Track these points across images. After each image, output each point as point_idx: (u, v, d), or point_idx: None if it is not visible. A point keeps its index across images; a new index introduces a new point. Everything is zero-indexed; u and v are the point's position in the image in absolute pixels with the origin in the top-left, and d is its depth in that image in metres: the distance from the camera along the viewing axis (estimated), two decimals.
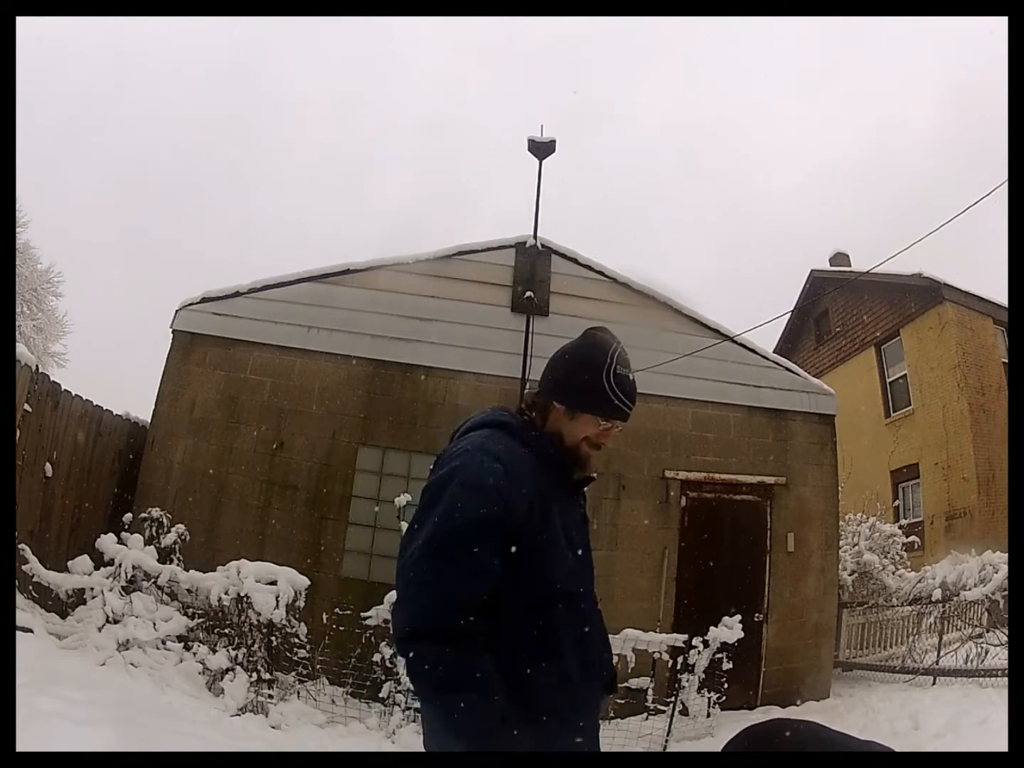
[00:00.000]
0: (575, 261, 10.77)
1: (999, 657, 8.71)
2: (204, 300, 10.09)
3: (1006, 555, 8.66)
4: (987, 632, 9.49)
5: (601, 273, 10.75)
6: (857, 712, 8.52)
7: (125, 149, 69.05)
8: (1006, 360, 14.96)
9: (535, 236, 10.70)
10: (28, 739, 2.53)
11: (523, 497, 1.96)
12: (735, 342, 10.63)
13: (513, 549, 1.93)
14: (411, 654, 1.83)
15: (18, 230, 22.14)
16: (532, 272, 10.57)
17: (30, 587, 7.18)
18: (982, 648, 9.08)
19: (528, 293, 10.36)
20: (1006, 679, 8.12)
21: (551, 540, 2.03)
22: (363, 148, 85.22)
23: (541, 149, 10.97)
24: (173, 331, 10.00)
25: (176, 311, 10.05)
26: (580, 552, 2.20)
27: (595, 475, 2.41)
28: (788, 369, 11.06)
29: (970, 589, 9.90)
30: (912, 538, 13.76)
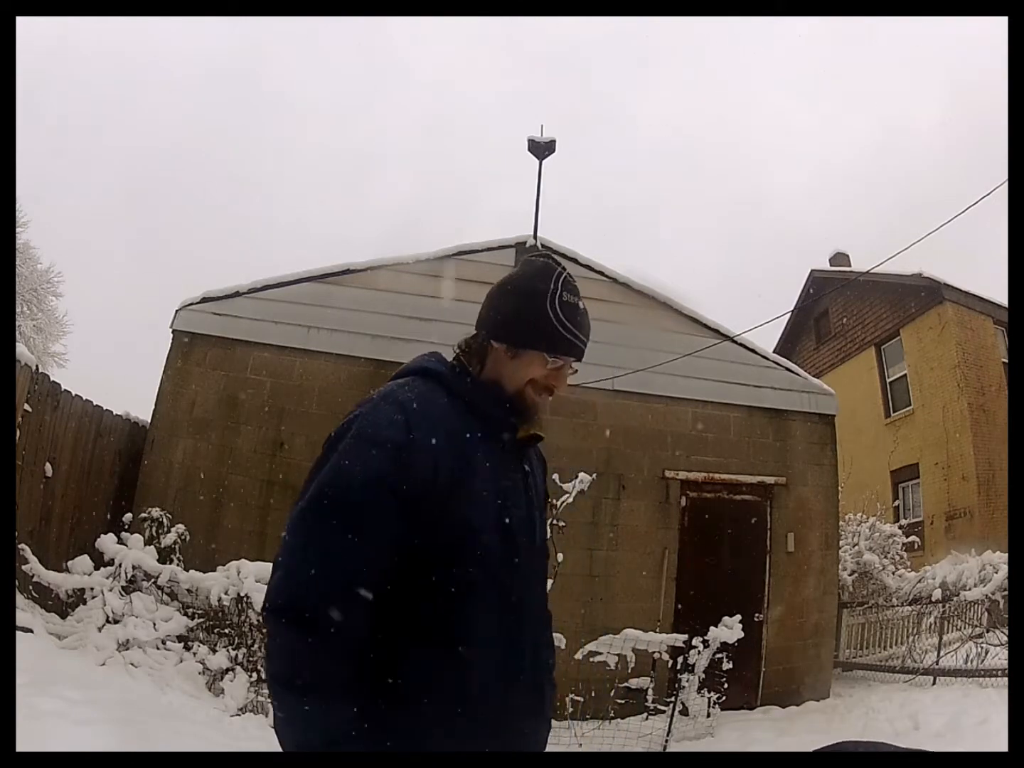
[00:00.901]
0: (575, 261, 10.76)
1: (999, 657, 8.72)
2: (204, 300, 10.08)
3: (1006, 555, 8.67)
4: (987, 632, 9.49)
5: (601, 273, 10.75)
6: (857, 712, 8.53)
7: (125, 149, 69.14)
8: (1006, 360, 14.97)
9: (535, 236, 10.70)
10: (28, 739, 2.52)
11: (428, 453, 1.63)
12: (735, 342, 10.63)
13: (413, 517, 1.61)
14: (272, 631, 1.57)
15: (18, 230, 22.15)
16: None
17: (30, 587, 7.18)
18: (982, 648, 9.09)
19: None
20: (1006, 679, 8.12)
21: (468, 511, 1.67)
22: (363, 148, 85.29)
23: (541, 149, 10.97)
24: (173, 331, 10.00)
25: (176, 311, 10.04)
26: (516, 531, 1.76)
27: (542, 434, 1.93)
28: (788, 369, 11.06)
29: (970, 589, 9.91)
30: (912, 538, 13.77)
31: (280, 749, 1.59)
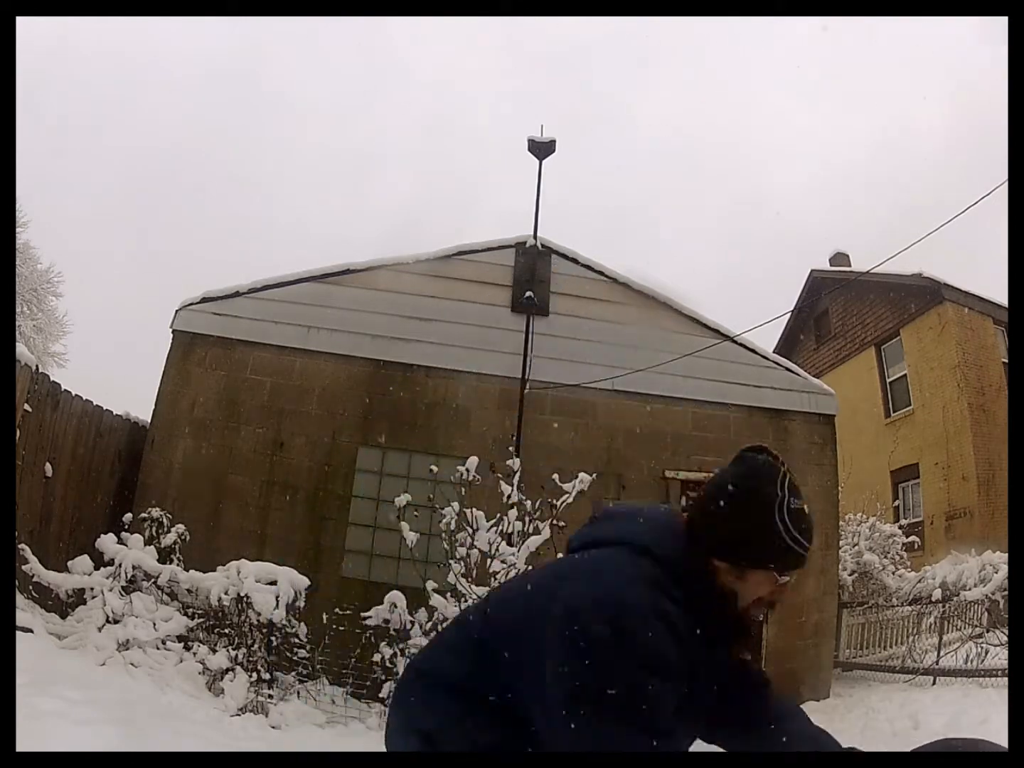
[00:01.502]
0: (575, 261, 10.78)
1: (999, 657, 8.70)
2: (204, 300, 10.10)
3: (1006, 555, 8.66)
4: (987, 632, 9.48)
5: (601, 273, 10.76)
6: (857, 712, 8.52)
7: (125, 149, 69.08)
8: (1006, 360, 14.96)
9: (535, 236, 10.70)
10: (28, 739, 2.52)
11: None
12: (735, 342, 10.63)
13: None
14: None
15: (18, 230, 22.15)
16: (532, 272, 10.57)
17: (30, 587, 7.19)
18: (982, 648, 9.07)
19: (528, 293, 10.37)
20: (1006, 679, 8.12)
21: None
22: (363, 148, 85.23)
23: (541, 149, 10.97)
24: (173, 331, 10.01)
25: (176, 311, 10.06)
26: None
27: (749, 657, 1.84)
28: (788, 369, 11.06)
29: (970, 589, 9.90)
30: (912, 538, 13.76)
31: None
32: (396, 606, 7.80)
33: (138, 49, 74.09)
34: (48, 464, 7.98)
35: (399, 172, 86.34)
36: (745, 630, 1.72)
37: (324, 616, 8.20)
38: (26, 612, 6.86)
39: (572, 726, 1.52)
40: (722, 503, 1.67)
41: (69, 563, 7.39)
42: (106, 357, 30.76)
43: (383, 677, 7.76)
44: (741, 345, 10.69)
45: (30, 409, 7.47)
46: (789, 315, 20.57)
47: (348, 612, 8.11)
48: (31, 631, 6.50)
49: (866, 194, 68.33)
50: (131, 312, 41.73)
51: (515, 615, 1.74)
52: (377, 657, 7.81)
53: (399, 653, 7.63)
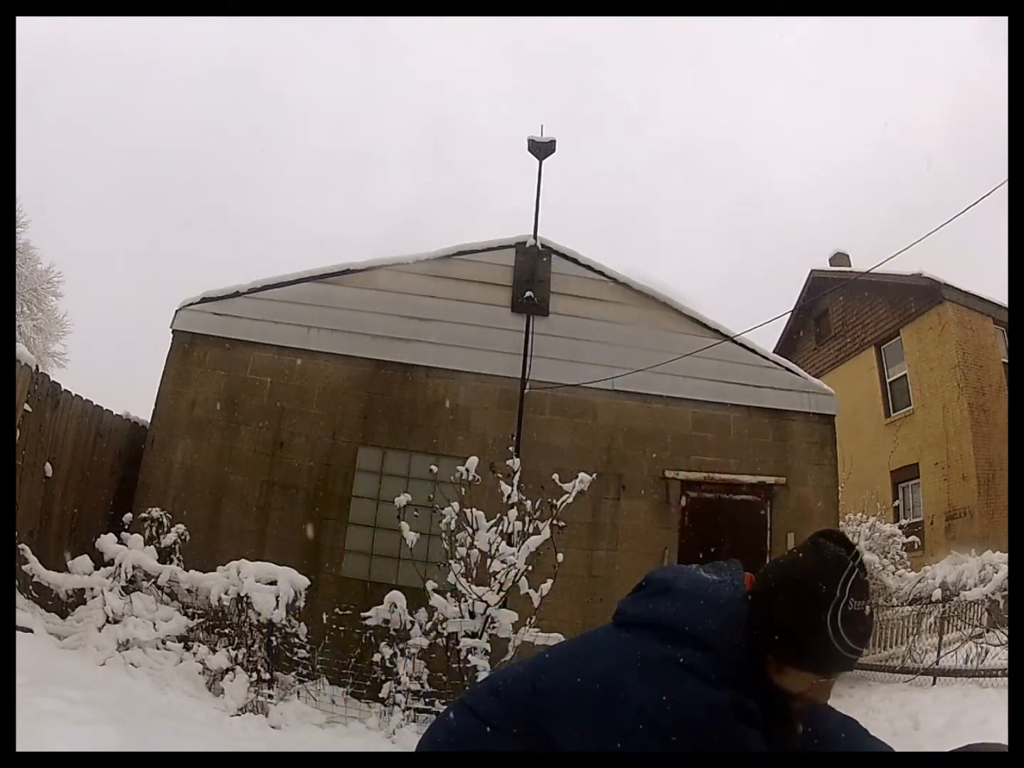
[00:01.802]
0: (575, 261, 10.78)
1: (999, 657, 8.70)
2: (204, 300, 10.10)
3: (1006, 555, 8.65)
4: (987, 632, 9.48)
5: (601, 273, 10.76)
6: (857, 712, 8.43)
7: (125, 149, 69.09)
8: (1006, 360, 14.96)
9: (535, 236, 10.70)
10: (28, 739, 2.53)
11: None
12: (735, 342, 10.63)
13: None
14: None
15: (18, 230, 22.16)
16: (532, 272, 10.57)
17: (30, 587, 7.19)
18: (982, 648, 9.07)
19: (528, 293, 10.37)
20: (1006, 679, 8.11)
21: None
22: (363, 148, 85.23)
23: (541, 149, 10.97)
24: (173, 331, 10.02)
25: (176, 311, 10.06)
26: None
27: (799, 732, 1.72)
28: (788, 369, 11.06)
29: (970, 589, 9.90)
30: (912, 538, 13.76)
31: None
32: (396, 606, 7.80)
33: (138, 49, 74.15)
34: (48, 464, 7.98)
35: (399, 172, 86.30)
36: (785, 719, 1.64)
37: (324, 616, 8.21)
38: (26, 612, 6.86)
39: None
40: (782, 591, 1.58)
41: (69, 563, 7.40)
42: (106, 357, 30.75)
43: (383, 677, 7.77)
44: (741, 345, 10.69)
45: (30, 409, 7.47)
46: (789, 315, 20.58)
47: (348, 612, 8.12)
48: (31, 631, 6.51)
49: (866, 194, 68.31)
50: (131, 312, 41.75)
51: (574, 700, 1.64)
52: (377, 657, 7.81)
53: (399, 653, 7.63)
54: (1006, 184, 2.94)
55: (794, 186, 75.24)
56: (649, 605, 1.74)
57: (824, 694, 1.62)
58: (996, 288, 16.01)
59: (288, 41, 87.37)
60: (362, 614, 7.92)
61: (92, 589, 7.26)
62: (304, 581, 7.62)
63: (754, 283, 51.74)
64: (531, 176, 11.03)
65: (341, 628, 8.12)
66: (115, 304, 41.48)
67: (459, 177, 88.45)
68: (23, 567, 6.98)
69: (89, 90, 67.04)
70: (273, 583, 7.41)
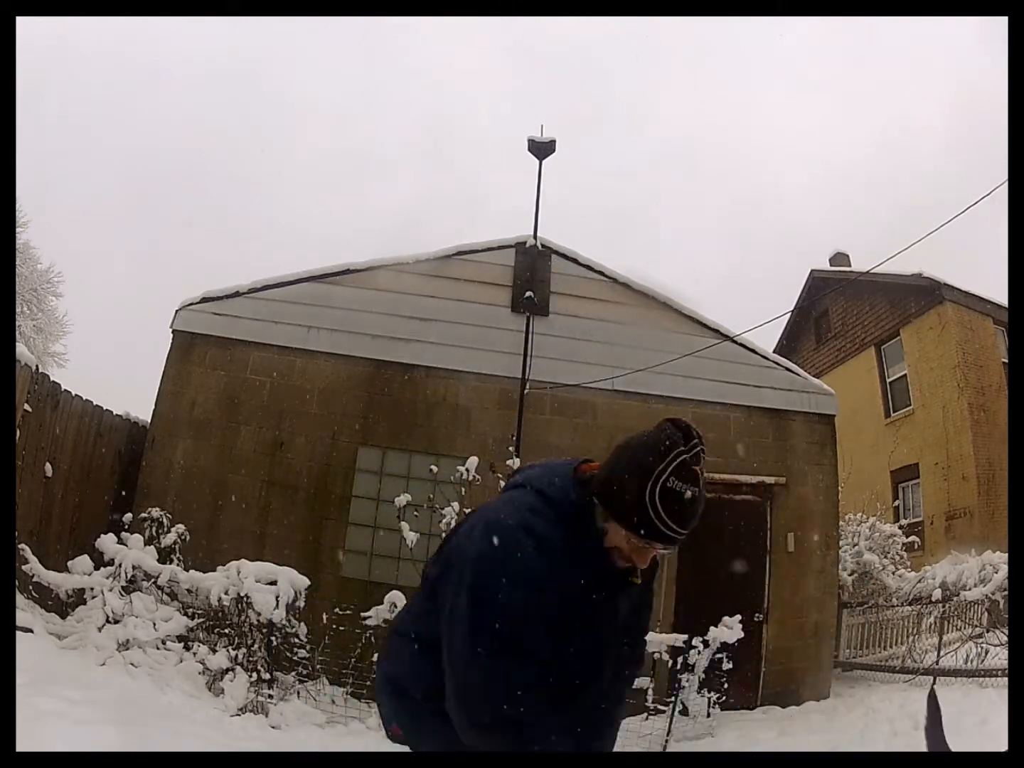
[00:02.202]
0: (575, 261, 10.77)
1: (999, 657, 8.71)
2: (204, 300, 10.09)
3: (1006, 555, 8.65)
4: (987, 632, 9.48)
5: (601, 273, 10.75)
6: (857, 712, 8.51)
7: (126, 149, 69.09)
8: (1006, 360, 14.96)
9: (535, 236, 10.70)
10: (28, 739, 2.53)
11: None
12: (735, 342, 10.62)
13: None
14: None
15: (18, 230, 22.15)
16: (532, 272, 10.57)
17: (30, 587, 7.19)
18: (982, 648, 9.07)
19: (528, 293, 10.36)
20: (1006, 679, 8.11)
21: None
22: (363, 148, 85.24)
23: (541, 149, 10.97)
24: (173, 331, 10.01)
25: (176, 311, 10.05)
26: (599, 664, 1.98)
27: (638, 580, 2.02)
28: (788, 369, 11.04)
29: (970, 589, 9.90)
30: (912, 538, 13.75)
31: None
32: (396, 606, 7.79)
33: (138, 49, 74.18)
34: (48, 464, 7.98)
35: (399, 172, 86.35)
36: (610, 564, 1.90)
37: (324, 616, 8.20)
38: (26, 612, 6.86)
39: (457, 648, 1.81)
40: (617, 453, 1.87)
41: (69, 563, 7.39)
42: (106, 357, 30.72)
43: None
44: (741, 345, 10.68)
45: (30, 409, 7.47)
46: (789, 315, 20.58)
47: (348, 612, 8.10)
48: (31, 631, 6.50)
49: (866, 194, 68.39)
50: (131, 312, 41.73)
51: (445, 556, 1.99)
52: (377, 657, 7.81)
53: None
54: (1006, 184, 2.94)
55: (794, 186, 75.35)
56: (520, 474, 2.15)
57: (642, 559, 1.88)
58: (996, 288, 16.01)
59: (288, 41, 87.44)
60: (362, 614, 7.92)
61: (92, 589, 7.26)
62: (304, 581, 7.62)
63: (754, 283, 51.77)
64: (531, 176, 11.04)
65: (341, 628, 8.11)
66: (115, 304, 41.49)
67: (459, 177, 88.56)
68: (23, 567, 6.98)
69: (89, 90, 67.10)
70: (273, 583, 7.41)
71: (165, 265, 52.88)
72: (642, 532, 1.78)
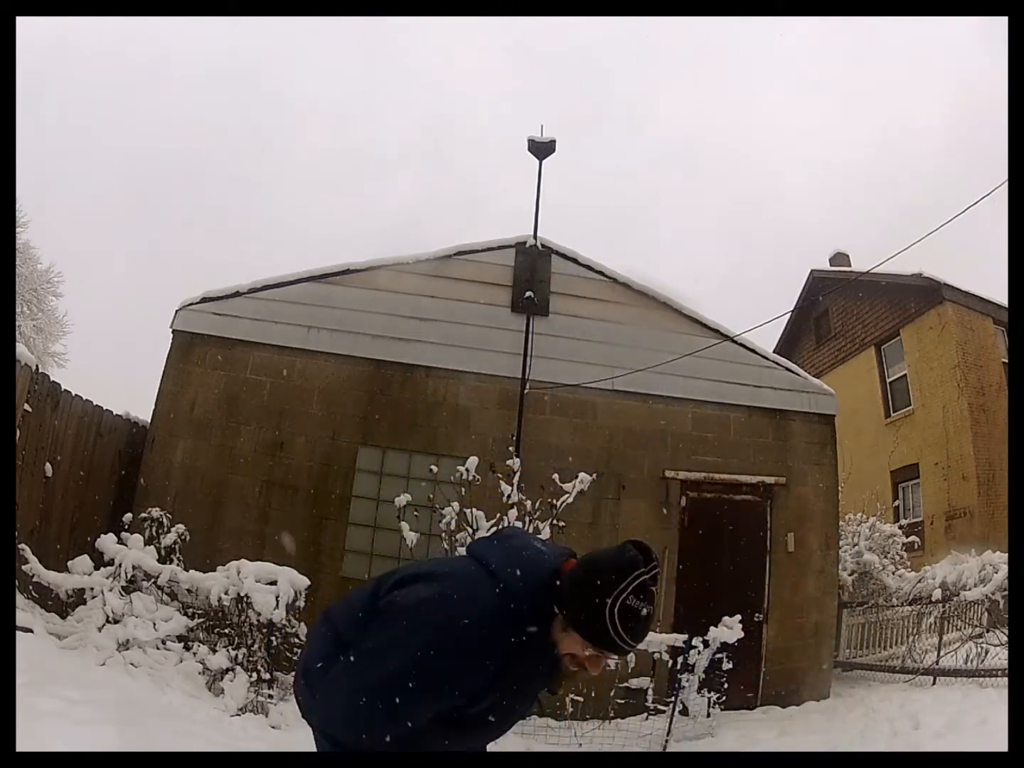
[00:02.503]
0: (575, 261, 10.77)
1: (999, 657, 8.70)
2: (204, 300, 10.09)
3: (1006, 555, 8.65)
4: (987, 632, 9.48)
5: (601, 273, 10.75)
6: (857, 712, 8.50)
7: (126, 149, 69.10)
8: (1006, 360, 14.97)
9: (535, 236, 10.69)
10: (28, 739, 2.53)
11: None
12: (735, 342, 10.62)
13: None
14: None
15: (18, 230, 22.15)
16: (532, 272, 10.56)
17: (30, 587, 7.18)
18: (982, 648, 9.07)
19: (528, 293, 10.36)
20: (1006, 679, 8.11)
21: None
22: (364, 148, 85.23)
23: (541, 149, 10.97)
24: (173, 331, 10.01)
25: (176, 311, 10.05)
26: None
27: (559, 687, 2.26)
28: (788, 369, 11.04)
29: (970, 589, 9.90)
30: (912, 538, 13.75)
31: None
32: None
33: (138, 49, 74.20)
34: (48, 464, 7.97)
35: (399, 172, 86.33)
36: (559, 669, 2.09)
37: None
38: (26, 612, 6.85)
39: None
40: (581, 566, 2.02)
41: (69, 563, 7.38)
42: (106, 357, 30.73)
43: None
44: (741, 345, 10.68)
45: (30, 409, 7.46)
46: (789, 315, 20.58)
47: None
48: (31, 631, 6.50)
49: (866, 194, 68.41)
50: (131, 312, 41.76)
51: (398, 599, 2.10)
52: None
53: None
54: (1006, 184, 2.94)
55: (794, 186, 75.42)
56: (485, 545, 2.22)
57: (595, 666, 2.02)
58: (996, 288, 16.01)
59: (289, 41, 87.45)
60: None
61: (92, 589, 7.26)
62: (304, 581, 7.61)
63: (754, 283, 51.80)
64: (531, 176, 11.03)
65: None
66: (115, 304, 41.52)
67: (459, 177, 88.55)
68: (23, 567, 6.97)
69: (89, 90, 67.14)
70: (273, 583, 7.40)
71: (165, 265, 53.01)
72: (599, 644, 1.95)
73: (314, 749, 2.20)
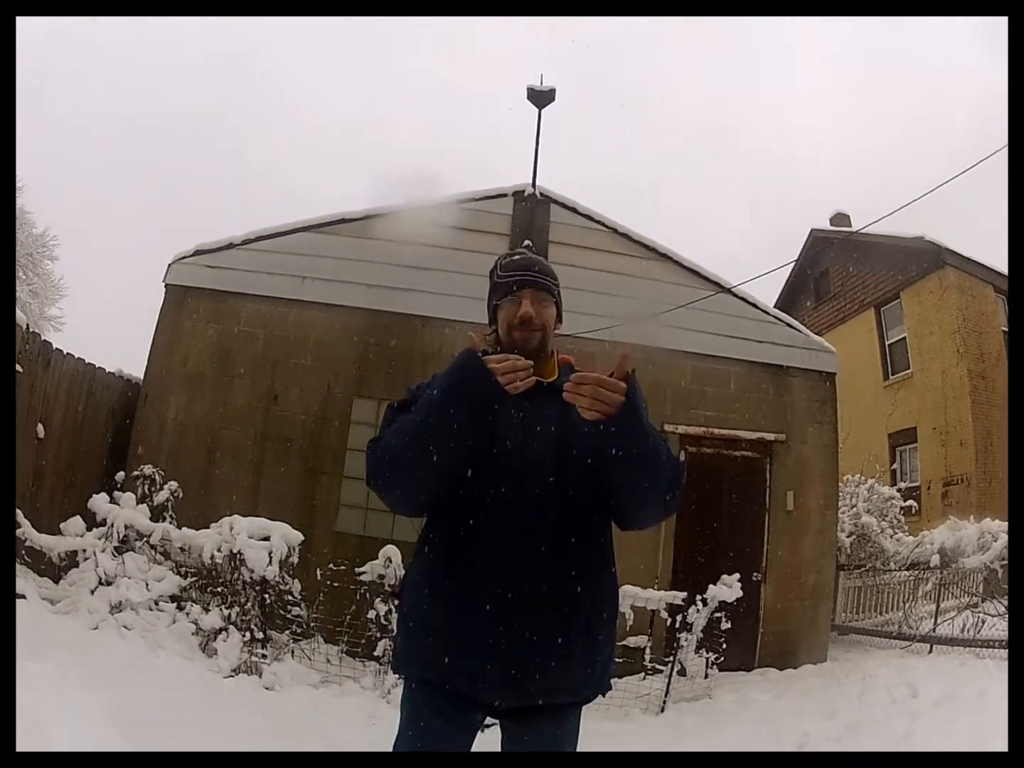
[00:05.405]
0: (574, 210, 10.58)
1: (996, 628, 8.67)
2: (197, 253, 9.92)
3: (1005, 523, 8.59)
4: (984, 602, 9.44)
5: (601, 223, 10.56)
6: (854, 677, 8.42)
7: (124, 119, 69.07)
8: (1006, 329, 14.85)
9: (534, 184, 10.52)
10: (20, 705, 2.47)
11: None
12: (734, 295, 10.45)
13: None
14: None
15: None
16: (531, 221, 10.39)
17: (23, 551, 7.04)
18: (979, 618, 9.04)
19: (526, 242, 10.16)
20: (1003, 650, 8.08)
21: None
22: (364, 148, 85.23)
23: (540, 97, 10.78)
24: (165, 285, 9.85)
25: (169, 265, 9.89)
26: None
27: (542, 381, 2.35)
28: (789, 325, 10.88)
29: (969, 556, 9.86)
30: (910, 502, 13.72)
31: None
32: (391, 561, 7.72)
33: (139, 34, 74.11)
34: (40, 425, 7.83)
35: (399, 168, 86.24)
36: (513, 346, 2.38)
37: (318, 572, 8.11)
38: (19, 577, 6.72)
39: None
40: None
41: (61, 525, 7.26)
42: (104, 319, 30.64)
43: (378, 634, 7.71)
44: (742, 299, 10.52)
45: (21, 369, 7.27)
46: (789, 273, 20.47)
47: (342, 568, 8.01)
48: (23, 597, 6.38)
49: (883, 184, 68.85)
50: (127, 274, 41.76)
51: None
52: (372, 614, 7.75)
53: (394, 609, 7.54)
54: (1006, 150, 2.95)
55: (812, 166, 75.39)
56: None
57: (525, 308, 2.41)
58: (998, 257, 15.91)
59: (288, 41, 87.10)
60: (356, 570, 7.84)
61: (84, 551, 7.15)
62: (298, 536, 7.50)
63: (764, 255, 51.66)
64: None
65: (335, 584, 8.01)
66: (113, 265, 41.40)
67: (459, 178, 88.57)
68: (16, 532, 6.86)
69: (87, 81, 66.96)
70: (266, 539, 7.31)
71: (164, 225, 52.89)
72: (498, 292, 2.48)
73: (308, 711, 2.15)
